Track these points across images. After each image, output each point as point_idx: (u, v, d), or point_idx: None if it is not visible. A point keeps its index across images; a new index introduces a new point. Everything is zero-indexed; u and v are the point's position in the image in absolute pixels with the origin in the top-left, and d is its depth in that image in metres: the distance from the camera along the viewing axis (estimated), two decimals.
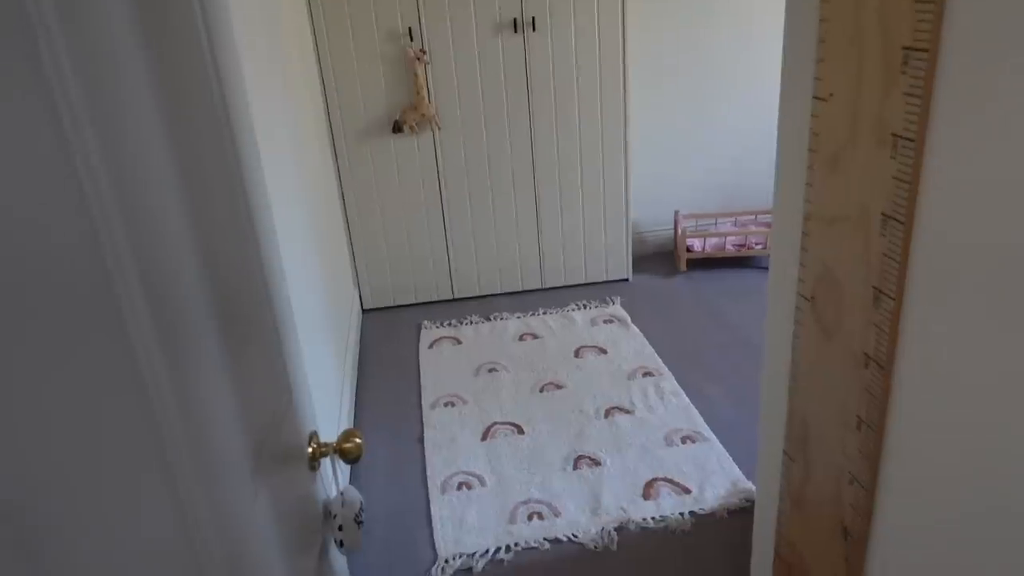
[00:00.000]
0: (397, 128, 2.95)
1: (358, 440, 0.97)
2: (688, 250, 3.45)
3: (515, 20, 2.87)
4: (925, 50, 0.73)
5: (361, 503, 1.03)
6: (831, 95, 0.90)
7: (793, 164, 1.03)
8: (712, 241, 3.48)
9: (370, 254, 3.19)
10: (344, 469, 2.09)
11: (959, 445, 0.78)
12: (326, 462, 1.03)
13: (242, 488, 0.68)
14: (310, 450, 0.96)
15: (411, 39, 2.84)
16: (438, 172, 3.08)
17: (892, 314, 0.84)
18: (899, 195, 0.80)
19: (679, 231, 3.45)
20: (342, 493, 1.01)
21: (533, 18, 2.87)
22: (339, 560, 1.09)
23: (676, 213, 3.50)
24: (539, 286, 3.36)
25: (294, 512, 0.87)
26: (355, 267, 3.21)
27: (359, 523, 1.00)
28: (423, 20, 2.83)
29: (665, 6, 3.30)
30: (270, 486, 0.78)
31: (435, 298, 3.31)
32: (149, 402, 0.51)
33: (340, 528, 0.98)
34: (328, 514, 1.01)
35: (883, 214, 0.83)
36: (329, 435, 2.04)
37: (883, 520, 0.94)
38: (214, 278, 0.68)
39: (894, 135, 0.79)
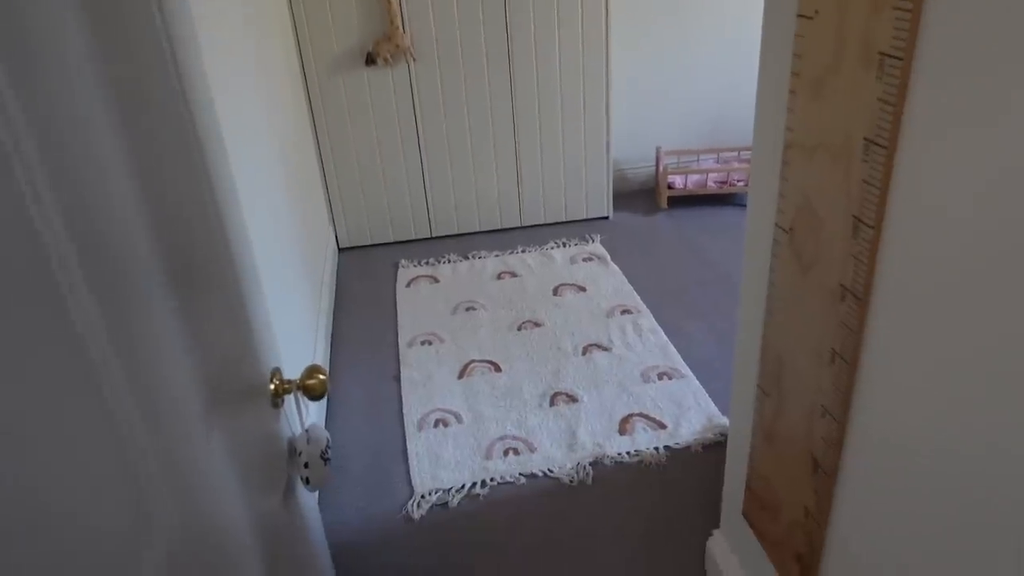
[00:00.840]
0: (370, 60, 2.84)
1: (322, 376, 0.94)
2: (669, 187, 3.41)
3: None
4: None
5: (327, 440, 1.01)
6: (816, 12, 0.85)
7: (775, 89, 0.99)
8: (694, 178, 3.43)
9: (345, 192, 3.11)
10: (319, 408, 2.08)
11: (932, 379, 0.76)
12: (291, 400, 1.00)
13: (193, 427, 0.65)
14: (272, 387, 0.93)
15: None
16: (414, 107, 2.98)
17: (871, 244, 0.82)
18: (883, 118, 0.76)
19: (660, 168, 3.40)
20: (307, 430, 0.99)
21: None
22: (307, 497, 1.08)
23: (658, 149, 3.44)
24: (518, 224, 3.31)
25: (256, 450, 0.85)
26: (330, 205, 3.14)
27: (326, 460, 0.98)
28: None
29: None
30: (228, 424, 0.75)
31: (412, 236, 3.26)
32: (82, 343, 0.48)
33: (306, 465, 0.97)
34: (294, 451, 0.99)
35: (865, 139, 0.79)
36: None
37: (853, 453, 0.94)
38: (160, 221, 0.64)
39: (881, 53, 0.75)
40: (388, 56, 2.84)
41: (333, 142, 3.00)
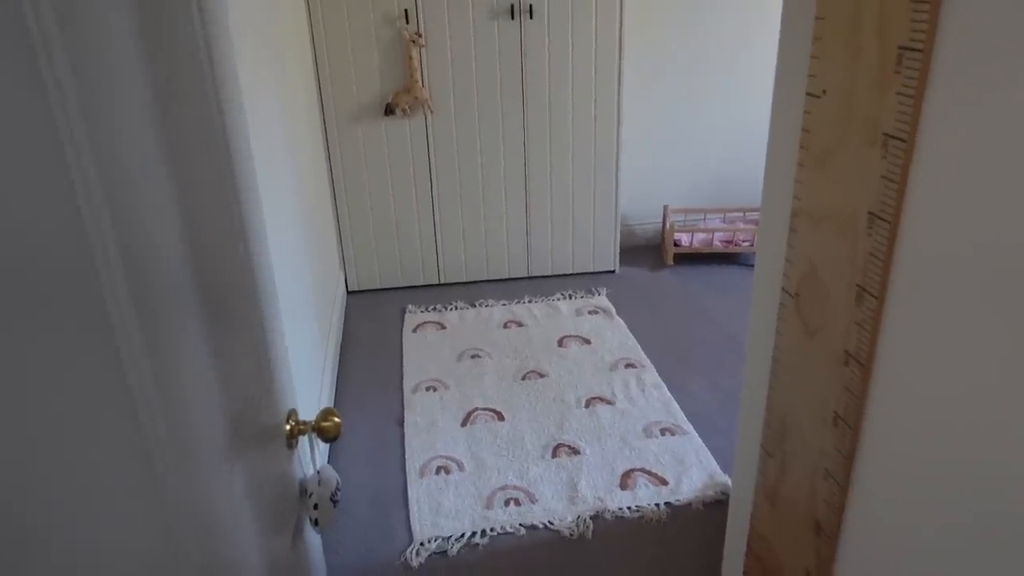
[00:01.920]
0: (389, 111, 2.92)
1: (336, 419, 0.96)
2: (676, 244, 3.46)
3: (512, 6, 2.85)
4: (920, 50, 0.73)
5: (338, 482, 1.02)
6: (824, 92, 0.90)
7: (783, 160, 1.03)
8: (700, 236, 3.49)
9: (357, 236, 3.17)
10: (323, 449, 2.09)
11: (934, 445, 0.78)
12: (304, 441, 1.03)
13: (218, 464, 0.68)
14: (288, 428, 0.95)
15: (407, 21, 2.81)
16: (429, 157, 3.06)
17: (874, 313, 0.85)
18: (887, 194, 0.80)
19: (667, 225, 3.45)
20: (319, 472, 1.01)
21: (531, 5, 2.85)
22: (314, 538, 1.09)
23: (665, 207, 3.50)
24: (526, 274, 3.35)
25: (270, 489, 0.87)
26: (342, 249, 3.19)
27: (334, 502, 1.00)
28: (420, 3, 2.80)
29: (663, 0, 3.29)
30: (246, 463, 0.78)
31: (421, 282, 3.30)
32: (126, 379, 0.51)
33: (316, 507, 0.98)
34: (304, 492, 1.01)
35: (870, 213, 0.83)
36: (309, 415, 2.03)
37: (855, 516, 0.95)
38: (198, 257, 0.67)
39: (885, 135, 0.79)
40: (407, 107, 2.93)
41: (348, 187, 3.07)
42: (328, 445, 2.17)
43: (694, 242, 3.46)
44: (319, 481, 1.00)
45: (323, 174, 2.92)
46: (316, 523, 0.98)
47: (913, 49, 0.73)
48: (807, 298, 0.99)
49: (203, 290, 0.68)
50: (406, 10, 2.80)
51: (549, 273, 3.37)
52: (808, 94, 0.93)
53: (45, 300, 0.42)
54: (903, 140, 0.77)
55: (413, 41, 2.80)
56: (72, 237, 0.45)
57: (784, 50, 1.00)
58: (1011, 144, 0.65)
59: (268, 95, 1.87)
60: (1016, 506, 0.68)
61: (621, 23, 2.94)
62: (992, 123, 0.66)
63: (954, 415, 0.75)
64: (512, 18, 2.87)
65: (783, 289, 1.06)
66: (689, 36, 3.37)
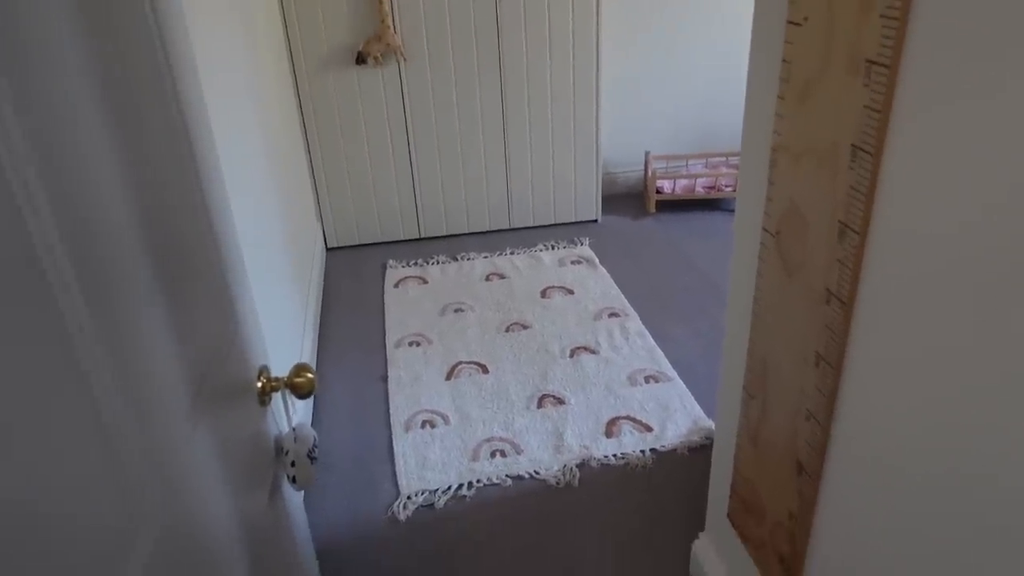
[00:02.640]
0: (361, 59, 2.83)
1: (310, 375, 0.94)
2: (658, 192, 3.42)
3: None
4: None
5: (315, 439, 1.00)
6: (805, 19, 0.86)
7: (763, 94, 1.00)
8: (682, 183, 3.45)
9: (334, 191, 3.11)
10: (306, 407, 2.07)
11: (915, 384, 0.77)
12: (279, 398, 1.00)
13: (178, 423, 0.65)
14: (260, 385, 0.93)
15: None
16: (404, 107, 2.98)
17: (856, 250, 0.83)
18: (869, 125, 0.77)
19: (649, 172, 3.41)
20: (295, 429, 0.99)
21: None
22: (293, 496, 1.08)
23: (646, 154, 3.46)
24: (507, 226, 3.31)
25: (242, 447, 0.85)
26: (319, 204, 3.13)
27: (312, 459, 0.98)
28: None
29: None
30: (212, 421, 0.75)
31: (401, 237, 3.25)
32: (70, 337, 0.47)
33: (292, 464, 0.96)
34: (280, 450, 0.99)
35: (853, 145, 0.80)
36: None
37: (837, 457, 0.95)
38: (149, 210, 0.63)
39: (868, 61, 0.76)
40: (379, 55, 2.84)
41: (322, 141, 3.00)
42: (312, 404, 2.16)
43: (676, 189, 3.43)
44: (295, 438, 0.97)
45: (295, 127, 2.84)
46: (294, 480, 0.96)
47: None
48: (788, 236, 0.97)
49: (156, 248, 0.64)
50: None
51: (531, 224, 3.33)
52: (789, 22, 0.89)
53: None
54: (886, 66, 0.73)
55: None
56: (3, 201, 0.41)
57: None
58: (1000, 72, 0.61)
59: (228, 44, 1.79)
60: (1000, 442, 0.67)
61: None
62: (980, 49, 0.63)
63: (937, 355, 0.73)
64: None
65: (763, 228, 1.03)
66: None
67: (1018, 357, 0.63)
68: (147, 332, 0.60)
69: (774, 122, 0.96)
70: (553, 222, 3.34)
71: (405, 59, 2.88)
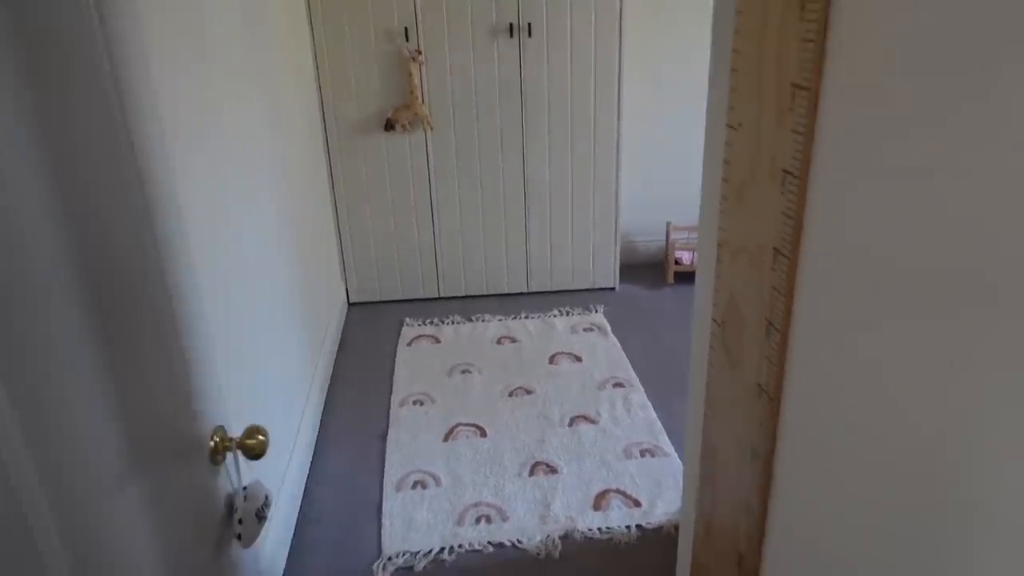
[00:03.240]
0: (389, 126, 2.97)
1: (262, 437, 0.98)
2: (676, 262, 3.44)
3: (511, 25, 2.88)
4: (808, 88, 0.73)
5: (266, 498, 1.04)
6: (740, 124, 0.90)
7: (711, 191, 1.04)
8: None
9: (358, 249, 3.22)
10: (303, 461, 2.11)
11: (841, 478, 0.78)
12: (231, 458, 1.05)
13: (106, 487, 0.70)
14: (212, 444, 0.98)
15: (407, 39, 2.86)
16: (428, 172, 3.09)
17: (779, 346, 0.85)
18: (785, 230, 0.80)
19: (669, 242, 3.44)
20: (245, 488, 1.03)
21: (529, 24, 2.88)
22: (244, 554, 1.11)
23: (668, 224, 3.49)
24: (525, 290, 3.36)
25: (185, 505, 0.89)
26: (343, 260, 3.24)
27: (260, 518, 1.02)
28: (420, 20, 2.84)
29: (662, 16, 3.29)
30: (152, 479, 0.80)
31: (420, 296, 3.33)
32: None
33: (240, 522, 1.00)
34: (232, 508, 1.03)
35: (774, 248, 0.83)
36: (289, 425, 2.06)
37: (774, 550, 0.94)
38: (91, 270, 0.69)
39: (784, 171, 0.79)
40: (407, 123, 2.97)
41: (349, 200, 3.12)
42: (311, 457, 2.20)
43: (694, 261, 3.43)
44: (245, 497, 1.02)
45: (324, 187, 2.97)
46: (240, 538, 1.00)
47: (803, 87, 0.74)
48: (730, 329, 0.99)
49: (92, 314, 0.70)
50: (406, 27, 2.85)
51: (549, 289, 3.37)
52: (727, 125, 0.94)
53: None
54: (796, 176, 0.77)
55: (413, 58, 2.84)
56: None
57: (712, 80, 1.00)
58: (898, 182, 0.64)
59: (247, 108, 1.92)
60: (932, 539, 0.67)
61: (620, 40, 2.95)
62: (877, 162, 0.66)
63: (860, 450, 0.74)
64: (511, 36, 2.89)
65: (712, 318, 1.06)
66: (690, 52, 3.36)
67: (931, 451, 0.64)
68: (69, 397, 0.66)
69: (719, 218, 1.00)
70: (571, 287, 3.38)
71: (432, 127, 3.00)
